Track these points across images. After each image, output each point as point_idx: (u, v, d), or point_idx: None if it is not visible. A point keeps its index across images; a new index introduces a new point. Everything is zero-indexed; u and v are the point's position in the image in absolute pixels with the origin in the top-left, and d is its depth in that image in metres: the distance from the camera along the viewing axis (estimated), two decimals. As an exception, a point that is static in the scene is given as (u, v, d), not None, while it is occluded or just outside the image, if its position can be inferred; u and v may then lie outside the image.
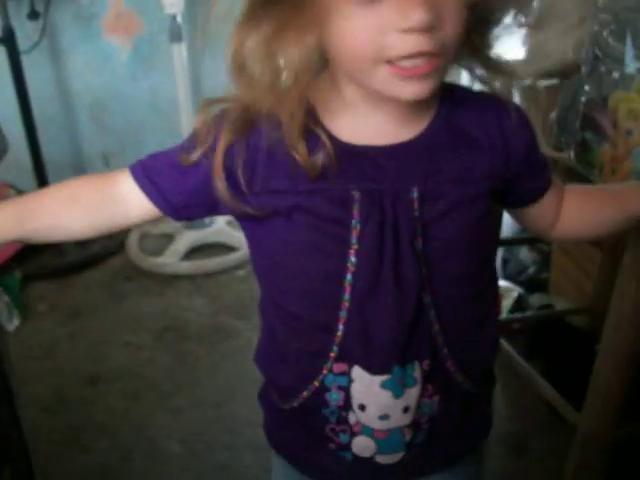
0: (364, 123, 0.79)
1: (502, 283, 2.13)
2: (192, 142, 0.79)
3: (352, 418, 0.84)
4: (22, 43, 2.54)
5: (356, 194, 0.77)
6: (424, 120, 0.80)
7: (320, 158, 0.75)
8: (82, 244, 2.62)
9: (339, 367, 0.82)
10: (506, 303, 2.05)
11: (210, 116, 0.79)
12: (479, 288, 0.86)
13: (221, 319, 2.32)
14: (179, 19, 2.45)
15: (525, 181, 0.87)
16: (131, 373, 2.07)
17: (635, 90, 1.22)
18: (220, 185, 0.77)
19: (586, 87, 1.34)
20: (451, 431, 0.90)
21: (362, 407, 0.83)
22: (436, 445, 0.89)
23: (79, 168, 2.95)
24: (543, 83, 1.62)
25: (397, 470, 0.88)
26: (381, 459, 0.87)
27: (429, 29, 0.67)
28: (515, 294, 2.07)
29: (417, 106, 0.78)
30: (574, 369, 1.62)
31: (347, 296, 0.79)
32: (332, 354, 0.81)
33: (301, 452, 0.93)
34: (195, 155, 0.78)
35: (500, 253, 2.22)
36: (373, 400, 0.82)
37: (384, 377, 0.81)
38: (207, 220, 2.69)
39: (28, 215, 0.85)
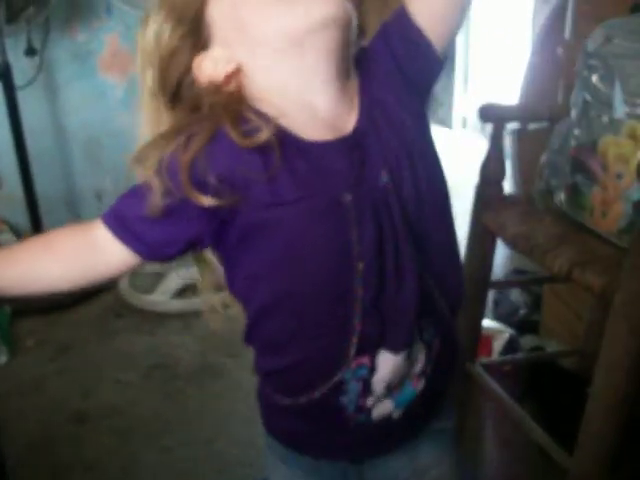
0: (312, 115, 0.78)
1: (493, 325, 2.13)
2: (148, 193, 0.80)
3: (369, 401, 0.84)
4: (18, 79, 2.55)
5: (347, 197, 0.76)
6: (355, 99, 0.80)
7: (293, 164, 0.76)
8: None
9: (359, 361, 0.82)
10: (497, 345, 2.04)
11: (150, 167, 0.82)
12: (452, 231, 0.88)
13: (211, 357, 2.31)
14: (174, 58, 2.47)
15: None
16: (120, 411, 2.04)
17: (624, 134, 1.24)
18: (208, 201, 0.76)
19: (576, 131, 1.35)
20: (443, 368, 0.90)
21: (388, 387, 0.84)
22: (432, 389, 0.88)
23: (72, 204, 2.95)
24: (533, 126, 1.64)
25: (405, 423, 0.88)
26: (396, 413, 0.87)
27: None
28: (506, 336, 2.06)
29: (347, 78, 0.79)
30: (565, 412, 1.61)
31: (359, 297, 0.78)
32: (351, 352, 0.81)
33: (315, 440, 0.91)
34: (162, 205, 0.79)
35: (491, 295, 2.22)
36: (395, 375, 0.83)
37: (406, 351, 0.82)
38: (199, 258, 2.68)
39: (2, 263, 0.85)
